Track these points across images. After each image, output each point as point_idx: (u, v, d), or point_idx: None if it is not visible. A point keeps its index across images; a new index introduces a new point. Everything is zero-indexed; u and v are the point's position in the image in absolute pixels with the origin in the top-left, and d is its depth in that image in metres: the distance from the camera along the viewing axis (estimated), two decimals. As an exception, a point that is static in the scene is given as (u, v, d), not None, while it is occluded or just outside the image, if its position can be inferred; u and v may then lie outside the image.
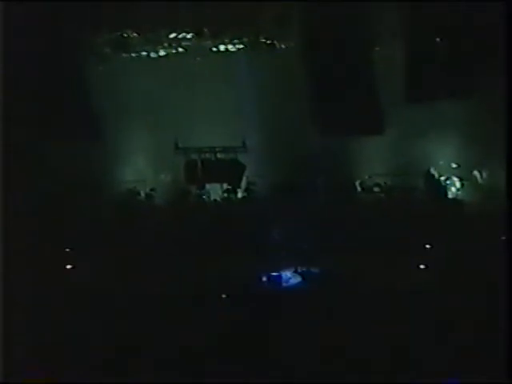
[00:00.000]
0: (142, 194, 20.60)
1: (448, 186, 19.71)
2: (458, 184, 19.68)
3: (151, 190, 20.55)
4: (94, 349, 16.28)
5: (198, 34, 19.60)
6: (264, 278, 18.21)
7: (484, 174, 19.60)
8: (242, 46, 19.64)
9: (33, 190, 19.01)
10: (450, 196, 19.69)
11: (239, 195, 20.39)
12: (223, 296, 17.65)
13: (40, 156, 19.71)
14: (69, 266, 18.46)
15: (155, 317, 16.95)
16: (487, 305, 15.89)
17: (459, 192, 19.67)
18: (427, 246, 18.08)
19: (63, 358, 16.06)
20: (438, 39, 18.40)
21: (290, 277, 18.17)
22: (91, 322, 16.81)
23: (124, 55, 19.96)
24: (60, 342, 16.43)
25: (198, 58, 19.93)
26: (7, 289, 14.90)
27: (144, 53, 20.06)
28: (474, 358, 15.00)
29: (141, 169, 20.63)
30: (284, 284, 18.13)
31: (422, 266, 17.67)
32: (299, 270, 18.17)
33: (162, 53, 20.04)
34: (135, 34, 19.73)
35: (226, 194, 20.35)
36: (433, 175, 19.83)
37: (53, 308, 16.92)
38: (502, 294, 14.54)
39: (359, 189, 20.19)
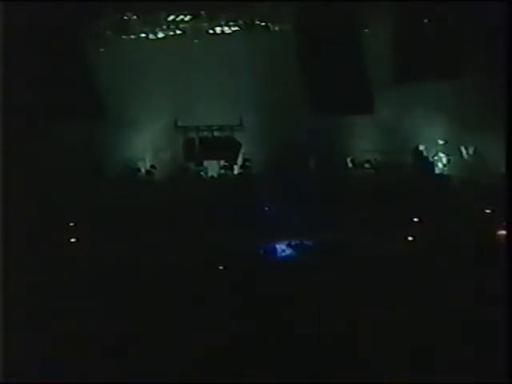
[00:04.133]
0: (143, 171, 21.14)
1: (435, 162, 20.19)
2: (444, 160, 20.17)
3: (151, 166, 21.07)
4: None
5: (195, 16, 19.85)
6: (260, 251, 18.43)
7: (470, 150, 19.99)
8: (237, 29, 19.94)
9: (37, 169, 19.39)
10: (436, 171, 20.15)
11: (235, 171, 20.89)
12: (220, 268, 17.86)
13: (46, 135, 20.13)
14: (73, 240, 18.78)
15: (154, 287, 17.01)
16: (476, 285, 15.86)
17: (445, 168, 20.15)
18: (415, 219, 18.33)
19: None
20: (425, 20, 18.63)
21: (283, 249, 18.48)
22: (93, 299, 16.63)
23: (124, 37, 20.23)
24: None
25: (196, 40, 20.21)
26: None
27: (143, 35, 20.30)
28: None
29: (142, 147, 21.08)
30: (278, 256, 18.43)
31: (409, 238, 17.95)
32: (292, 243, 18.46)
33: (160, 35, 20.29)
34: (135, 17, 19.98)
35: (222, 171, 20.86)
36: (421, 152, 20.26)
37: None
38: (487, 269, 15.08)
39: (350, 165, 20.71)
